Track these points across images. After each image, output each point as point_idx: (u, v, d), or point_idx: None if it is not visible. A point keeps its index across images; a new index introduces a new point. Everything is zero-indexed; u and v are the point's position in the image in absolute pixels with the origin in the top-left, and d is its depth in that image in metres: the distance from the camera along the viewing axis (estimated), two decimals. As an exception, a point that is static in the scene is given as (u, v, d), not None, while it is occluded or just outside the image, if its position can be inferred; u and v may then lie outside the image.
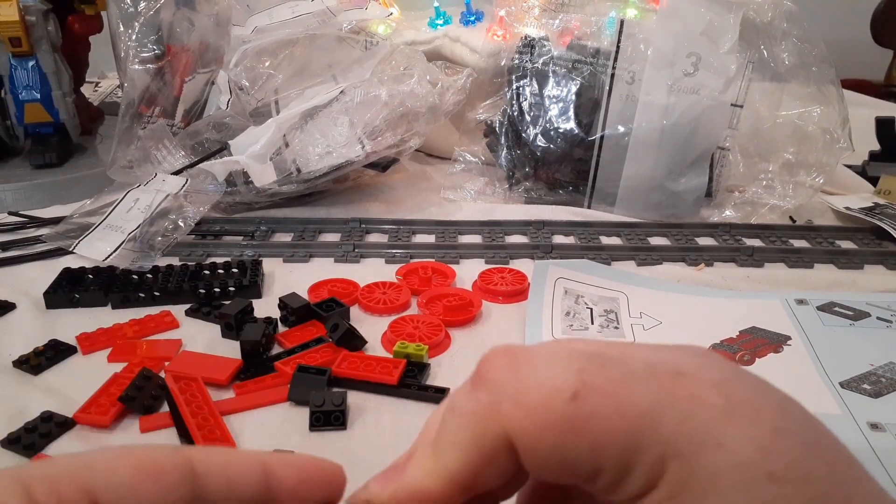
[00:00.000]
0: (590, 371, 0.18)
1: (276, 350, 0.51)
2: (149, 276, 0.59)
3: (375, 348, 0.52)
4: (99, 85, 1.28)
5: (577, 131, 0.76)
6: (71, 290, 0.57)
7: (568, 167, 0.78)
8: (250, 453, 0.20)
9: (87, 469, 0.17)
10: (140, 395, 0.44)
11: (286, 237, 0.70)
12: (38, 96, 0.81)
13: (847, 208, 0.75)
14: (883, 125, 0.87)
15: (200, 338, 0.53)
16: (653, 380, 0.18)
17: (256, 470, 0.19)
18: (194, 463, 0.18)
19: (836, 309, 0.56)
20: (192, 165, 0.71)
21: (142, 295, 0.57)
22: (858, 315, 0.55)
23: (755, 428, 0.17)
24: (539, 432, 0.18)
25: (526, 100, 0.78)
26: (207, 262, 0.63)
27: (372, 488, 0.21)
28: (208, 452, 0.19)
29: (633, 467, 0.18)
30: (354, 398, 0.46)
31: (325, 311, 0.53)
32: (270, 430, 0.43)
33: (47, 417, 0.43)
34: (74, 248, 0.64)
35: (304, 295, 0.57)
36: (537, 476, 0.19)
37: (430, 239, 0.70)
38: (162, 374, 0.47)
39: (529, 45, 0.78)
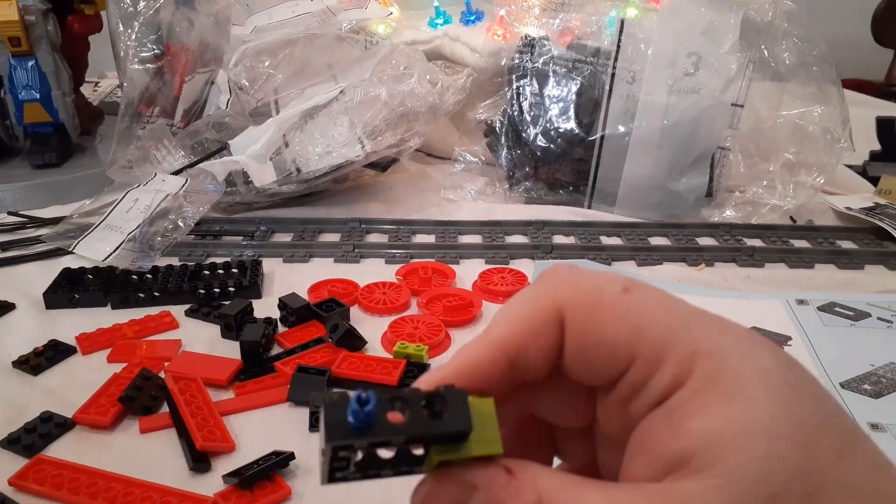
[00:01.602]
0: (639, 281, 0.20)
1: (276, 350, 0.51)
2: (148, 276, 0.59)
3: (375, 349, 0.52)
4: (98, 85, 1.27)
5: (577, 131, 0.76)
6: (70, 290, 0.57)
7: (568, 167, 0.78)
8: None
9: None
10: (140, 396, 0.44)
11: (286, 237, 0.70)
12: (38, 96, 0.81)
13: (848, 208, 0.75)
14: (883, 125, 0.86)
15: (200, 338, 0.53)
16: (692, 306, 0.20)
17: None
18: None
19: (837, 309, 0.56)
20: (191, 165, 0.71)
21: (141, 295, 0.57)
22: (859, 315, 0.55)
23: (773, 354, 0.19)
24: (590, 309, 0.20)
25: (526, 99, 0.78)
26: (207, 262, 0.63)
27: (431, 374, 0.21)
28: None
29: (664, 359, 0.19)
30: (354, 399, 0.45)
31: (325, 312, 0.53)
32: (270, 431, 0.43)
33: (47, 418, 0.43)
34: (74, 249, 0.64)
35: (304, 295, 0.57)
36: (577, 361, 0.20)
37: (430, 239, 0.70)
38: (162, 375, 0.47)
39: (530, 44, 0.78)
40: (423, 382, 0.20)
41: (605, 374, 0.20)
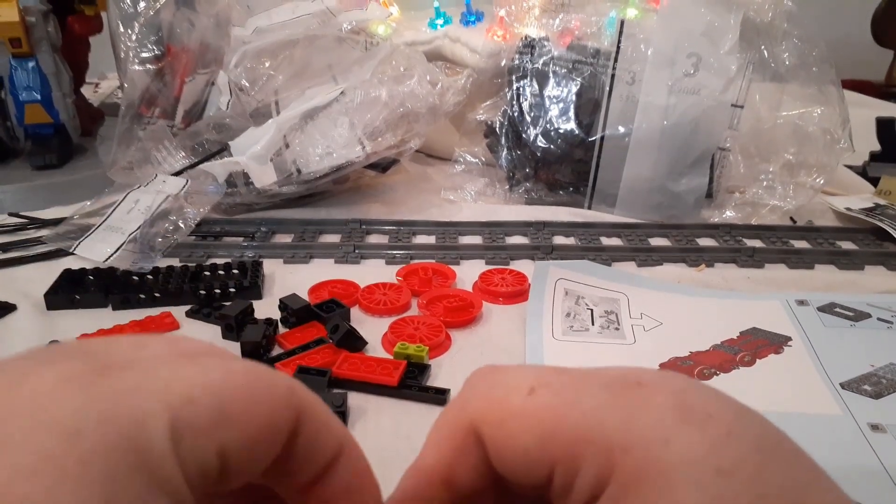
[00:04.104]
0: (548, 374, 0.20)
1: (277, 351, 0.51)
2: (149, 277, 0.59)
3: (376, 349, 0.52)
4: (99, 86, 1.28)
5: (577, 132, 0.76)
6: (71, 291, 0.57)
7: (568, 168, 0.78)
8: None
9: (222, 424, 0.17)
10: (140, 397, 0.44)
11: (286, 238, 0.70)
12: (39, 97, 0.81)
13: (848, 209, 0.75)
14: (883, 126, 0.87)
15: (201, 339, 0.53)
16: (606, 386, 0.19)
17: (334, 446, 0.20)
18: (301, 421, 0.19)
19: (837, 310, 0.56)
20: (192, 166, 0.71)
21: (142, 296, 0.57)
22: (859, 316, 0.55)
23: (706, 429, 0.17)
24: (500, 421, 0.19)
25: (526, 100, 0.78)
26: (208, 263, 0.63)
27: None
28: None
29: (582, 460, 0.18)
30: (355, 399, 0.46)
31: (326, 313, 0.53)
32: (271, 432, 0.43)
33: (48, 419, 0.43)
34: (75, 250, 0.64)
35: (305, 296, 0.57)
36: (503, 472, 0.20)
37: (431, 240, 0.70)
38: (162, 376, 0.47)
39: (530, 45, 0.78)
40: None
41: (533, 480, 0.19)
